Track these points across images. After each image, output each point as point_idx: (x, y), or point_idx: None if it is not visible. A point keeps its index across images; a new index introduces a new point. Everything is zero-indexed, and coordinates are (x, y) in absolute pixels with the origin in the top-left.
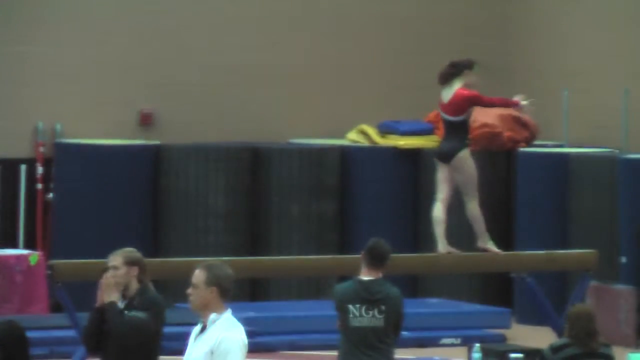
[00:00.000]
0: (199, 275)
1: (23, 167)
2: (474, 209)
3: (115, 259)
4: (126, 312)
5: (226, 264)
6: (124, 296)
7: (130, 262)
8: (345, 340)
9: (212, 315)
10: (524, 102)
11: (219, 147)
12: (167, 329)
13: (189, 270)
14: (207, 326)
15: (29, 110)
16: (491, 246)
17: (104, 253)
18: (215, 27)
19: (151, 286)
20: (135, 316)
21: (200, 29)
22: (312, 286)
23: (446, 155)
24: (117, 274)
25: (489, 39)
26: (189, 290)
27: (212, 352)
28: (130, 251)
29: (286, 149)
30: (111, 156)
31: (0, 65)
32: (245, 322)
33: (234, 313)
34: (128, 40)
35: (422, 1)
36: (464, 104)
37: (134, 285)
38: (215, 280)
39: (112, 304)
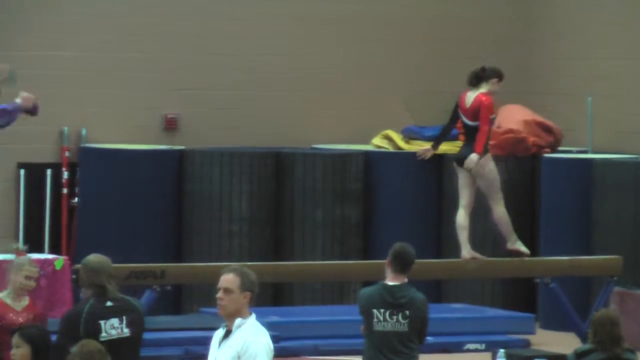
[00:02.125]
0: (233, 280)
1: (48, 172)
2: (500, 211)
3: None
4: None
5: (248, 268)
6: None
7: (81, 268)
8: (370, 345)
9: (238, 320)
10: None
11: (243, 152)
12: (191, 334)
13: (212, 275)
14: (233, 331)
15: (54, 115)
16: (520, 246)
17: (129, 258)
18: (240, 32)
19: (84, 295)
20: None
21: (225, 34)
22: (336, 291)
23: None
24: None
25: (513, 44)
26: (220, 295)
27: (238, 357)
28: (89, 256)
29: (310, 154)
30: (136, 161)
31: (25, 70)
32: (269, 326)
33: (257, 318)
34: (153, 45)
35: (446, 6)
36: (478, 111)
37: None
38: (249, 286)
39: None
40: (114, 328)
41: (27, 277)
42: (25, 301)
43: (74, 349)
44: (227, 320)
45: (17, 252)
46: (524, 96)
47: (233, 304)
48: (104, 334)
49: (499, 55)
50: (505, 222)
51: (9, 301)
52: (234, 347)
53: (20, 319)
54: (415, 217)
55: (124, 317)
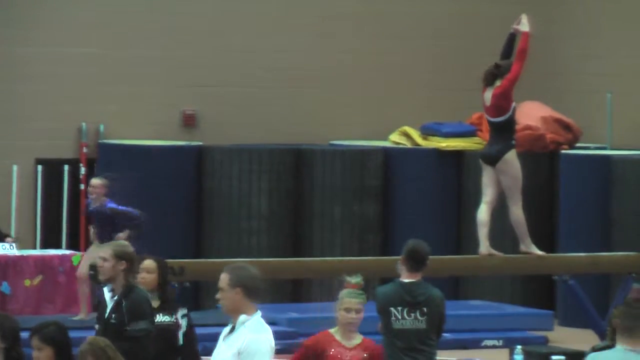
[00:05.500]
0: (223, 278)
1: (66, 168)
2: (517, 213)
3: (106, 250)
4: (127, 327)
5: (253, 265)
6: (112, 290)
7: (118, 256)
8: (388, 343)
9: (242, 317)
10: (523, 23)
11: (262, 149)
12: (208, 330)
13: None
14: (236, 327)
15: (72, 111)
16: (534, 249)
17: (147, 254)
18: (258, 28)
19: (138, 285)
20: (137, 330)
21: (243, 31)
22: None
23: (492, 158)
24: (104, 265)
25: (531, 41)
26: (218, 295)
27: (239, 354)
28: (121, 245)
29: (328, 151)
30: (154, 157)
31: (44, 66)
32: (288, 322)
33: (277, 314)
34: (171, 42)
35: (465, 3)
36: (502, 99)
37: (121, 281)
38: (238, 281)
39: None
40: None
41: (347, 310)
42: (357, 339)
43: (84, 347)
44: (230, 316)
45: (348, 285)
46: (542, 93)
47: (226, 301)
48: None
49: None
50: (521, 224)
51: (338, 337)
52: (235, 344)
53: (349, 357)
54: (434, 214)
55: None
